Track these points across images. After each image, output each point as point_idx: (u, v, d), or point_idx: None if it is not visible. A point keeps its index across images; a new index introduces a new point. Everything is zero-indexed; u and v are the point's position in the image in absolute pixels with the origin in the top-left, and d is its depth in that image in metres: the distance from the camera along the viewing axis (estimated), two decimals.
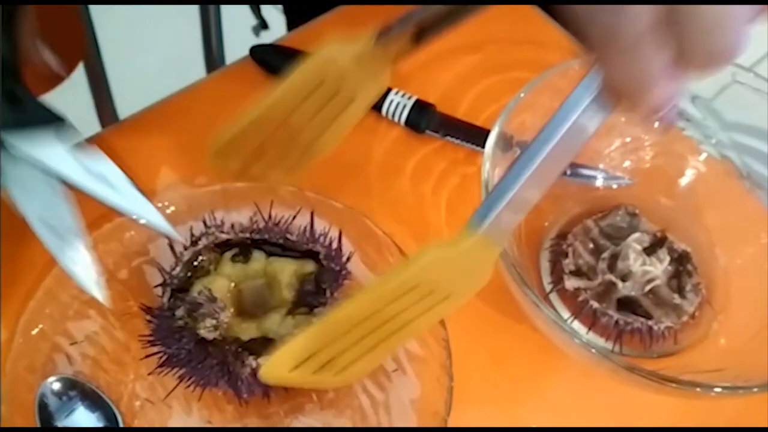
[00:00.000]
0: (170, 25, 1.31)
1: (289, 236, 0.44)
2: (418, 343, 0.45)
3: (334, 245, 0.45)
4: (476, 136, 0.54)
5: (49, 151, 0.38)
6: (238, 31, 0.60)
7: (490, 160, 0.41)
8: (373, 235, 0.49)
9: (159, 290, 0.43)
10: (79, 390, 0.43)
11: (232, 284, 0.44)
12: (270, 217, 0.45)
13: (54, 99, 0.66)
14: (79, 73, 0.84)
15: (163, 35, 1.37)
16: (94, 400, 0.43)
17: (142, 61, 1.32)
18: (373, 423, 0.44)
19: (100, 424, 0.42)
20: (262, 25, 0.56)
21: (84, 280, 0.37)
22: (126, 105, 0.69)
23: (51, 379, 0.42)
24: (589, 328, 0.44)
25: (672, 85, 0.27)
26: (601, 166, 0.50)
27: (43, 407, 0.42)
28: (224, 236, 0.44)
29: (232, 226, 0.45)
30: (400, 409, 0.44)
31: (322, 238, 0.44)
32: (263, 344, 0.41)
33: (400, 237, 0.48)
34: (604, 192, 0.50)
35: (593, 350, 0.37)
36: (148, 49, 1.37)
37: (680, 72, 0.26)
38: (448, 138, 0.55)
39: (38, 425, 0.41)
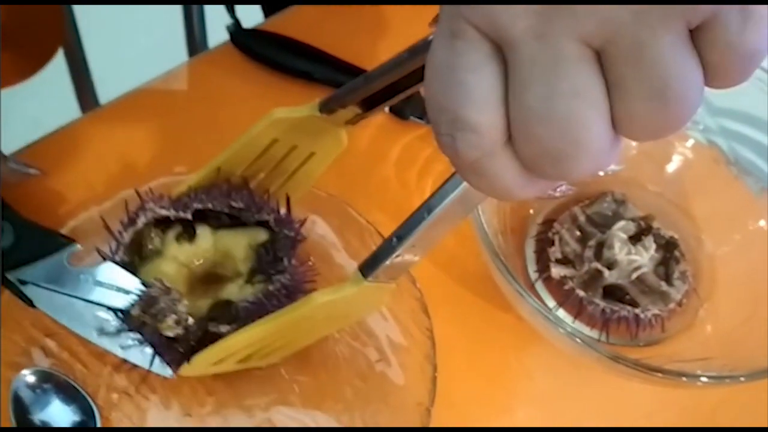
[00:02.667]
0: (152, 10, 1.29)
1: (234, 204, 0.42)
2: (402, 333, 0.45)
3: (282, 211, 0.43)
4: None
5: (61, 277, 0.41)
6: (222, 16, 0.59)
7: None
8: (355, 224, 0.48)
9: None
10: (54, 383, 0.42)
11: (183, 267, 0.42)
12: (213, 186, 0.43)
13: (34, 85, 0.66)
14: (60, 59, 0.82)
15: (145, 20, 1.35)
16: (69, 393, 0.42)
17: (124, 46, 1.30)
18: (356, 413, 0.43)
19: (76, 418, 0.41)
20: (236, 25, 0.55)
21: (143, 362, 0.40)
22: (107, 90, 0.68)
23: (25, 372, 0.41)
24: (576, 317, 0.44)
25: (538, 184, 0.21)
26: None
27: (17, 400, 0.41)
28: (163, 212, 0.41)
29: (170, 199, 0.42)
30: (383, 399, 0.43)
31: (267, 206, 0.43)
32: (225, 308, 0.40)
33: (383, 225, 0.47)
34: (591, 178, 0.49)
35: (578, 340, 0.36)
36: (129, 34, 1.35)
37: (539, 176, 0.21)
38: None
39: (12, 419, 0.40)
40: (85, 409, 0.42)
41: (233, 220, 0.42)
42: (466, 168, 0.21)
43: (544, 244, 0.46)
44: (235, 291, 0.41)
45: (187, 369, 0.39)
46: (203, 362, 0.38)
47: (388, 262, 0.32)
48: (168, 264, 0.42)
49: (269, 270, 0.41)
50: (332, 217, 0.47)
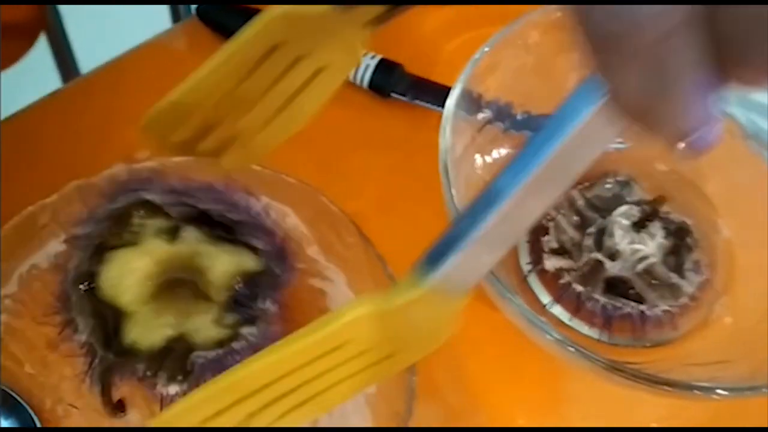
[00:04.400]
0: None
1: (230, 214, 0.37)
2: None
3: (279, 239, 0.38)
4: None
5: None
6: None
7: (450, 124, 0.36)
8: (329, 214, 0.43)
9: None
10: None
11: (156, 266, 0.38)
12: (212, 185, 0.38)
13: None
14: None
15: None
16: (9, 405, 0.38)
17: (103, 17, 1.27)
18: (323, 423, 0.39)
19: None
20: None
21: None
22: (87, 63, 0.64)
23: None
24: (573, 314, 0.39)
25: (706, 98, 0.19)
26: None
27: None
28: (148, 196, 0.37)
29: (162, 188, 0.38)
30: (354, 408, 0.38)
31: (265, 227, 0.38)
32: (181, 354, 0.35)
33: (362, 216, 0.43)
34: None
35: (571, 348, 0.31)
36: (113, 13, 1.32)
37: (719, 81, 0.18)
38: (418, 102, 0.49)
39: None
40: (26, 423, 0.38)
41: (225, 232, 0.37)
42: (634, 51, 0.18)
43: (537, 232, 0.41)
44: (202, 327, 0.36)
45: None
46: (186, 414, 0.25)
47: (460, 256, 0.23)
48: (140, 258, 0.37)
49: (243, 311, 0.36)
50: (303, 206, 0.43)
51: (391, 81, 0.49)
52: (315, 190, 0.43)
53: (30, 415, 0.38)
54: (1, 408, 0.37)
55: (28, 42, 0.67)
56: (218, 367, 0.34)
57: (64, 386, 0.39)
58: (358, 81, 0.49)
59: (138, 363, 0.34)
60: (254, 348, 0.35)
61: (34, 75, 0.58)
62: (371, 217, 0.44)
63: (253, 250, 0.38)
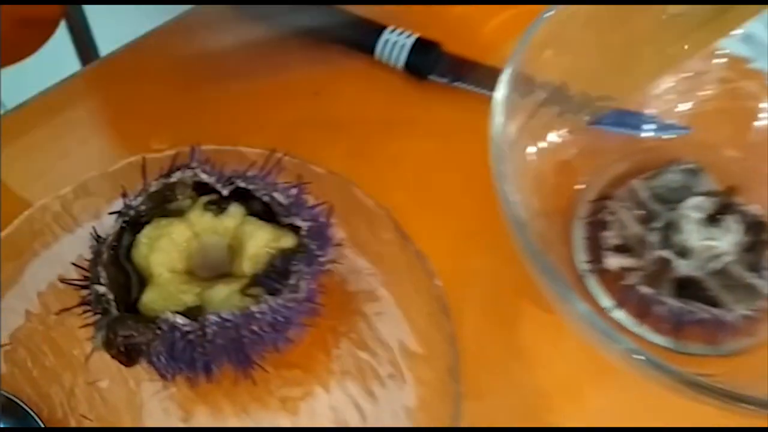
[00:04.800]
0: None
1: (276, 196, 0.35)
2: (418, 339, 0.36)
3: (319, 221, 0.35)
4: (494, 79, 0.44)
5: None
6: None
7: (503, 109, 0.32)
8: (363, 208, 0.39)
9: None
10: (0, 405, 0.35)
11: (194, 240, 0.35)
12: (264, 167, 0.36)
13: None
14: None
15: None
16: (17, 417, 0.35)
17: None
18: None
19: None
20: None
21: None
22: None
23: None
24: (639, 320, 0.35)
25: None
26: (650, 111, 0.40)
27: None
28: (205, 177, 0.35)
29: (221, 170, 0.36)
30: (396, 422, 0.35)
31: (311, 211, 0.35)
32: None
33: (398, 209, 0.39)
34: (654, 144, 0.40)
35: (641, 357, 0.27)
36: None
37: None
38: (459, 84, 0.45)
39: None
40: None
41: (268, 213, 0.35)
42: None
43: (597, 227, 0.37)
44: (223, 293, 0.33)
45: None
46: None
47: None
48: (180, 226, 0.35)
49: (270, 283, 0.33)
50: (335, 199, 0.39)
51: (428, 61, 0.45)
52: (346, 181, 0.40)
53: (39, 426, 0.35)
54: (10, 420, 0.34)
55: (50, 30, 0.65)
56: (230, 333, 0.31)
57: (77, 394, 0.36)
58: (392, 62, 0.45)
59: (146, 323, 0.31)
60: (274, 314, 0.32)
61: (53, 58, 0.55)
62: (408, 210, 0.40)
63: (295, 231, 0.35)
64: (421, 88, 0.45)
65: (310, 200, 0.36)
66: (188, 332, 0.31)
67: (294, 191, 0.36)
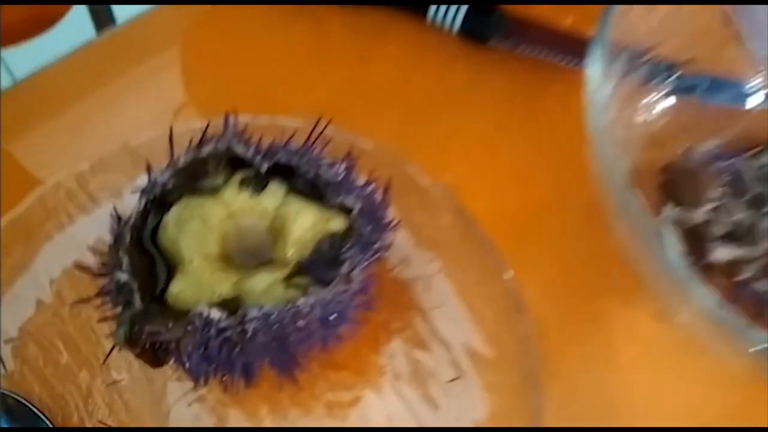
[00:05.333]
0: None
1: (322, 172, 0.30)
2: (487, 340, 0.31)
3: (377, 200, 0.31)
4: (563, 44, 0.39)
5: None
6: None
7: (597, 79, 0.27)
8: (417, 187, 0.34)
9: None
10: (6, 407, 0.30)
11: (229, 220, 0.31)
12: (308, 139, 0.31)
13: None
14: None
15: None
16: (26, 422, 0.30)
17: None
18: None
19: None
20: None
21: None
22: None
23: None
24: (753, 321, 0.29)
25: None
26: (755, 78, 0.35)
27: None
28: (240, 150, 0.31)
29: (258, 142, 0.31)
30: None
31: (362, 189, 0.30)
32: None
33: (458, 189, 0.34)
34: (759, 115, 0.34)
35: None
36: None
37: None
38: (523, 49, 0.40)
39: None
40: None
41: (314, 192, 0.31)
42: None
43: (693, 213, 0.32)
44: (265, 282, 0.28)
45: None
46: None
47: None
48: (214, 206, 0.30)
49: (319, 271, 0.28)
50: (384, 177, 0.34)
51: (488, 25, 0.40)
52: (398, 156, 0.35)
53: (48, 426, 0.30)
54: (18, 425, 0.30)
55: (57, 18, 0.61)
56: (274, 328, 0.26)
57: (95, 396, 0.31)
58: (447, 25, 0.40)
59: (176, 318, 0.27)
60: (324, 308, 0.27)
61: (67, 25, 0.51)
62: (468, 189, 0.35)
63: (344, 211, 0.30)
64: (479, 54, 0.40)
65: (361, 177, 0.32)
66: (225, 329, 0.26)
67: (342, 167, 0.31)
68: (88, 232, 0.34)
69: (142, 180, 0.32)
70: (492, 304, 0.32)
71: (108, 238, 0.30)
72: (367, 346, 0.32)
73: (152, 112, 0.40)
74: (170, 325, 0.27)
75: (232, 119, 0.32)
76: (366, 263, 0.29)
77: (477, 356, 0.31)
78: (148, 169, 0.31)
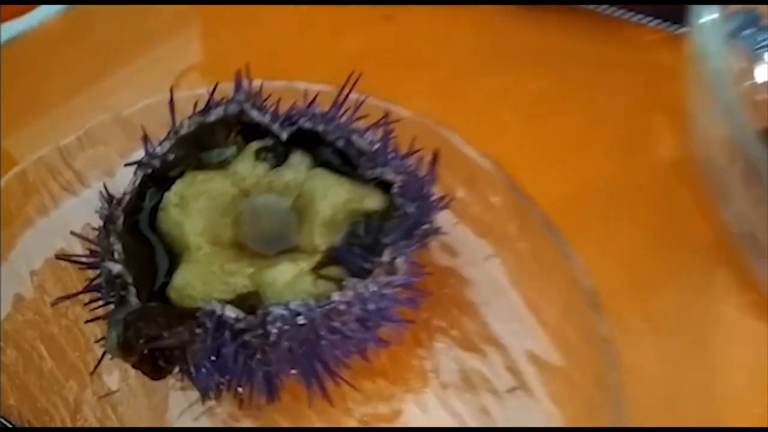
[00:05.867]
0: None
1: (355, 140, 0.25)
2: (553, 342, 0.26)
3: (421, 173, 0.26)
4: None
5: None
6: None
7: (715, 41, 0.21)
8: (462, 160, 0.29)
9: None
10: None
11: (242, 198, 0.26)
12: (338, 101, 0.26)
13: None
14: None
15: None
16: None
17: None
18: None
19: None
20: None
21: None
22: None
23: None
24: None
25: None
26: None
27: None
28: (256, 115, 0.26)
29: (277, 105, 0.26)
30: None
31: (403, 161, 0.25)
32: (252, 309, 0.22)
33: (509, 164, 0.29)
34: None
35: None
36: None
37: None
38: (582, 5, 0.34)
39: None
40: None
41: (345, 164, 0.26)
42: None
43: None
44: (289, 273, 0.23)
45: None
46: None
47: None
48: (226, 185, 0.25)
49: (354, 260, 0.23)
50: (425, 149, 0.29)
51: None
52: (440, 126, 0.30)
53: None
54: None
55: None
56: (303, 330, 0.21)
57: (84, 410, 0.26)
58: None
59: (181, 318, 0.21)
60: (363, 305, 0.22)
61: None
62: (516, 165, 0.30)
63: (383, 188, 0.25)
64: (523, 9, 0.35)
65: (399, 147, 0.27)
66: (242, 331, 0.21)
67: (378, 134, 0.26)
68: (75, 216, 0.29)
69: (138, 154, 0.26)
70: (557, 299, 0.27)
71: (97, 223, 0.25)
72: (407, 349, 0.27)
73: (149, 77, 0.35)
74: (174, 326, 0.22)
75: (245, 79, 0.27)
76: (412, 250, 0.24)
77: (540, 361, 0.26)
78: (145, 139, 0.26)
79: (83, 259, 0.24)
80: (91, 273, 0.24)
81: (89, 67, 0.35)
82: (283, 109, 0.27)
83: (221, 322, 0.21)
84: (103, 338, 0.22)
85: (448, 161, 0.29)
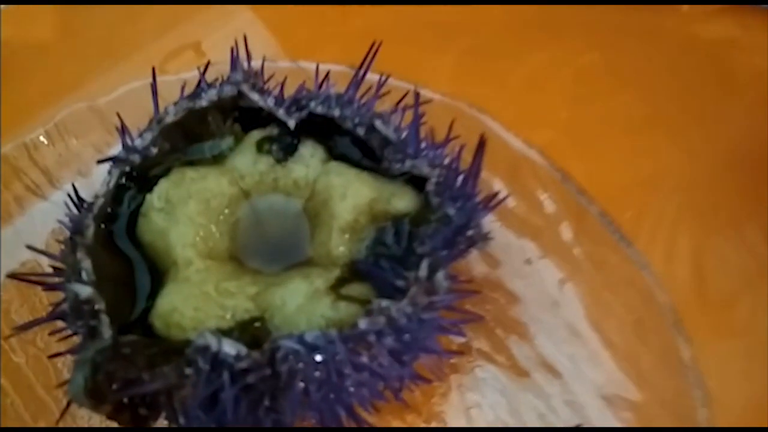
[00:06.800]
0: None
1: (379, 126, 0.21)
2: (626, 373, 0.21)
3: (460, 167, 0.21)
4: None
5: None
6: None
7: None
8: (503, 149, 0.25)
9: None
10: None
11: (241, 199, 0.21)
12: (357, 79, 0.22)
13: None
14: None
15: None
16: None
17: None
18: None
19: None
20: None
21: None
22: None
23: None
24: None
25: None
26: None
27: None
28: (257, 98, 0.21)
29: (281, 87, 0.22)
30: None
31: (437, 152, 0.21)
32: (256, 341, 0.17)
33: (554, 152, 0.25)
34: None
35: None
36: None
37: None
38: None
39: None
40: None
41: (367, 156, 0.21)
42: None
43: None
44: (301, 294, 0.19)
45: None
46: None
47: None
48: (222, 184, 0.21)
49: (383, 278, 0.18)
50: (463, 138, 0.24)
51: None
52: (474, 109, 0.25)
53: None
54: None
55: None
56: (321, 369, 0.16)
57: None
58: None
59: (166, 355, 0.17)
60: (397, 334, 0.17)
61: None
62: (569, 154, 0.25)
63: (415, 185, 0.20)
64: None
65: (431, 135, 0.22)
66: (245, 371, 0.17)
67: (403, 119, 0.21)
68: (44, 223, 0.25)
69: (116, 147, 0.22)
70: (625, 315, 0.22)
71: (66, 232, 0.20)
72: (442, 379, 0.23)
73: (131, 58, 0.30)
74: (158, 366, 0.17)
75: (241, 55, 0.22)
76: (451, 261, 0.19)
77: (608, 394, 0.22)
78: (122, 130, 0.21)
79: (42, 281, 0.20)
80: (57, 296, 0.20)
81: (62, 49, 0.31)
82: (290, 91, 0.22)
83: (218, 361, 0.16)
84: (66, 382, 0.18)
85: (494, 154, 0.24)
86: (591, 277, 0.23)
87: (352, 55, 0.23)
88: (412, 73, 0.25)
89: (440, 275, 0.18)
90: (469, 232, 0.19)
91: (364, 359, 0.17)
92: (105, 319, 0.18)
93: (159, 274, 0.20)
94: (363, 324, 0.17)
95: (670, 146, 0.27)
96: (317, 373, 0.17)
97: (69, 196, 0.21)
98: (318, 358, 0.17)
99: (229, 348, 0.17)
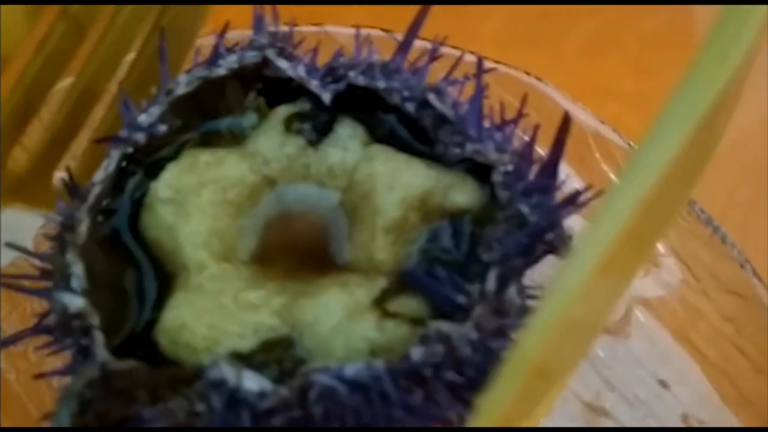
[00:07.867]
0: None
1: (432, 100, 0.17)
2: (729, 403, 0.18)
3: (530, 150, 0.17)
4: None
5: None
6: None
7: None
8: (576, 131, 0.21)
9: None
10: None
11: (265, 186, 0.17)
12: (406, 42, 0.18)
13: None
14: None
15: None
16: None
17: None
18: None
19: None
20: None
21: None
22: None
23: None
24: None
25: None
26: None
27: None
28: (285, 65, 0.18)
29: (314, 54, 0.18)
30: None
31: (503, 133, 0.17)
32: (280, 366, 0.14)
33: (622, 128, 0.21)
34: None
35: None
36: None
37: None
38: None
39: None
40: None
41: (417, 139, 0.18)
42: None
43: None
44: (333, 316, 0.15)
45: None
46: None
47: None
48: (242, 169, 0.17)
49: (442, 291, 0.15)
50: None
51: None
52: (533, 79, 0.22)
53: None
54: None
55: None
56: (365, 407, 0.13)
57: None
58: None
59: (173, 384, 0.13)
60: (455, 365, 0.13)
61: None
62: (640, 131, 0.21)
63: (477, 173, 0.16)
64: None
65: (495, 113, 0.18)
66: (269, 412, 0.13)
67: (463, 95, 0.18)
68: (29, 220, 0.21)
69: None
70: (724, 327, 0.18)
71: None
72: None
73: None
74: (162, 398, 0.14)
75: (263, 13, 0.18)
76: (526, 268, 0.15)
77: (699, 418, 0.18)
78: (125, 104, 0.18)
79: (26, 288, 0.16)
80: (43, 305, 0.16)
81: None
82: (323, 59, 0.19)
83: (236, 400, 0.13)
84: (49, 415, 0.14)
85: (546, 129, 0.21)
86: (680, 282, 0.19)
87: (382, 20, 0.20)
88: (452, 40, 0.22)
89: (512, 290, 0.15)
90: (549, 236, 0.15)
91: (417, 398, 0.14)
92: (99, 337, 0.15)
93: (166, 277, 0.17)
94: (416, 354, 0.13)
95: (763, 121, 0.23)
96: (358, 415, 0.13)
97: (63, 181, 0.18)
98: (359, 397, 0.13)
99: (251, 383, 0.13)
